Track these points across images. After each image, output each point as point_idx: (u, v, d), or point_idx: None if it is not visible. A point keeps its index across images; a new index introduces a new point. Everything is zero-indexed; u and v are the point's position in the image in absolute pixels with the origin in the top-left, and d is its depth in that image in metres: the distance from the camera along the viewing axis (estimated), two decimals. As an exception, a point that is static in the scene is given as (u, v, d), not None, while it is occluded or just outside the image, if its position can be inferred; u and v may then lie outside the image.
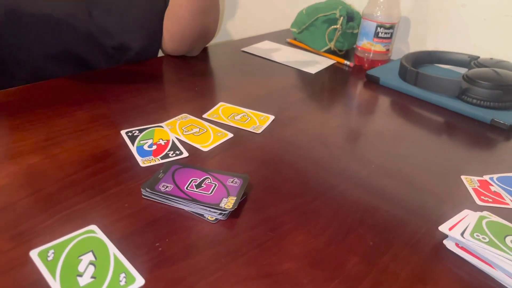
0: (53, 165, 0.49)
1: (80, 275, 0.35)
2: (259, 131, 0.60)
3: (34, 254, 0.37)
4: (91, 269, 0.36)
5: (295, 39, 1.01)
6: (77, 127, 0.57)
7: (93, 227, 0.40)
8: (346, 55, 0.95)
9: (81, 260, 0.37)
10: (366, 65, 0.87)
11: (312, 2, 0.99)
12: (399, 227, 0.44)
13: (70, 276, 0.35)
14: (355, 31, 0.90)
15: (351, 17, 0.90)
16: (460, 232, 0.42)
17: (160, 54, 0.87)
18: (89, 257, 0.37)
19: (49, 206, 0.43)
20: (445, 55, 0.85)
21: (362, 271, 0.38)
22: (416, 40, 0.94)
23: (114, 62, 0.79)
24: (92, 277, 0.35)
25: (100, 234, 0.40)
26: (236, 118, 0.63)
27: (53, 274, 0.35)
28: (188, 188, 0.45)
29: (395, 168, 0.55)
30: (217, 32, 0.85)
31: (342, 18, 0.87)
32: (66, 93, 0.67)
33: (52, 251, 0.37)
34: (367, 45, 0.85)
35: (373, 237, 0.43)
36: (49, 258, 0.37)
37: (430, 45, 0.92)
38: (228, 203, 0.43)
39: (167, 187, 0.45)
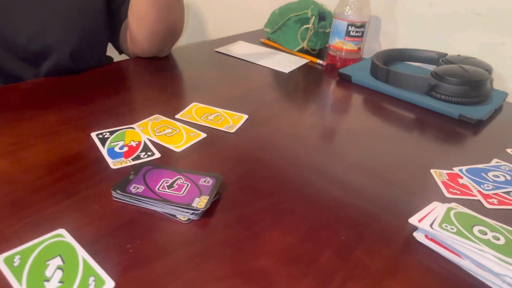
0: (20, 170, 0.48)
1: (48, 280, 0.34)
2: (233, 131, 0.60)
3: (-1, 260, 0.36)
4: (59, 273, 0.35)
5: (268, 39, 1.01)
6: (46, 130, 0.56)
7: (62, 231, 0.39)
8: (320, 54, 0.96)
9: (49, 265, 0.36)
10: (338, 63, 0.88)
11: (284, 2, 1.00)
12: (371, 221, 0.45)
13: (37, 281, 0.34)
14: (327, 30, 0.91)
15: (323, 16, 0.91)
16: (429, 223, 0.42)
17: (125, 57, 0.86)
18: (57, 261, 0.36)
19: (16, 211, 0.42)
20: (414, 53, 0.86)
21: (335, 266, 0.39)
22: (387, 39, 0.96)
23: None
24: (60, 281, 0.35)
25: (69, 238, 0.39)
26: (209, 118, 0.63)
27: (19, 280, 0.34)
28: (160, 189, 0.45)
29: (368, 164, 0.56)
30: (185, 28, 0.85)
31: (314, 17, 0.88)
32: (35, 96, 0.65)
33: (18, 256, 0.36)
34: (339, 44, 0.86)
35: (345, 232, 0.43)
36: (15, 264, 0.36)
37: (401, 43, 0.94)
38: (201, 202, 0.43)
39: (138, 188, 0.45)
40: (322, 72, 0.87)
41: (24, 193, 0.44)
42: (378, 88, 0.77)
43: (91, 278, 0.35)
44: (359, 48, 0.87)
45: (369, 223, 0.45)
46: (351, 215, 0.46)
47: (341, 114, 0.72)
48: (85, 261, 0.37)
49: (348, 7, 0.83)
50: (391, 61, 0.86)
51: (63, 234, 0.39)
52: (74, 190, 0.45)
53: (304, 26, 0.89)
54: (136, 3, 0.74)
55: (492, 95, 0.75)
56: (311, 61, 0.91)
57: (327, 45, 0.92)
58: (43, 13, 0.70)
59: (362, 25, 0.84)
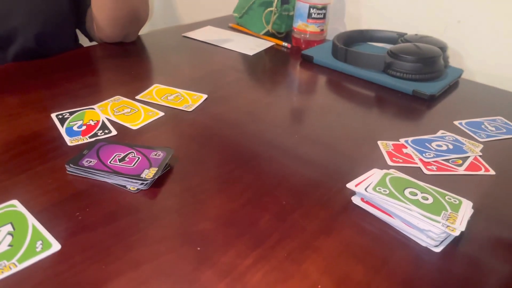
0: (-22, 148, 0.50)
1: (-3, 245, 0.37)
2: (191, 109, 0.63)
3: (-49, 228, 0.38)
4: (9, 238, 0.38)
5: (237, 24, 1.03)
6: (5, 112, 0.58)
7: (14, 201, 0.42)
8: (287, 37, 0.98)
9: (0, 231, 0.38)
10: (303, 46, 0.91)
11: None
12: (313, 188, 0.48)
13: (-14, 246, 0.37)
14: (291, 13, 0.93)
15: (286, 0, 0.93)
16: (364, 187, 0.45)
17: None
18: (8, 228, 0.39)
19: (-29, 185, 0.44)
20: (375, 34, 0.89)
21: (272, 227, 0.41)
22: (351, 21, 0.98)
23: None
24: (9, 245, 0.37)
25: (21, 208, 0.41)
26: (169, 98, 0.65)
27: (-31, 246, 0.37)
28: (111, 162, 0.47)
29: (319, 137, 0.58)
30: (151, 15, 0.86)
31: (276, 0, 0.90)
32: (-2, 81, 0.67)
33: (-30, 225, 0.39)
34: (302, 26, 0.88)
35: (287, 198, 0.46)
36: (-33, 232, 0.38)
37: (364, 25, 0.96)
38: (149, 173, 0.45)
39: (90, 162, 0.47)
40: (287, 55, 0.90)
41: (-19, 170, 0.46)
42: (337, 68, 0.80)
43: (39, 242, 0.37)
44: (322, 30, 0.89)
45: (310, 189, 0.47)
46: (294, 183, 0.48)
47: (300, 93, 0.74)
48: (34, 227, 0.39)
49: (309, -10, 0.85)
50: (353, 42, 0.88)
51: (15, 205, 0.41)
52: (29, 165, 0.47)
53: (268, 9, 0.91)
54: None
55: (447, 72, 0.78)
56: (276, 44, 0.93)
57: (291, 28, 0.94)
58: None
59: (324, 7, 0.86)
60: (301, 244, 0.40)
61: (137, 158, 0.48)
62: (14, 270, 0.35)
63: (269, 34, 0.96)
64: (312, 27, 0.88)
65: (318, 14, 0.86)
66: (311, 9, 0.85)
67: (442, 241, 0.41)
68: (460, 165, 0.54)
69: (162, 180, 0.47)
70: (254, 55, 0.86)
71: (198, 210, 0.43)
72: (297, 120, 0.64)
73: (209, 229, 0.41)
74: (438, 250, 0.41)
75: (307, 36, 0.89)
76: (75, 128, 0.55)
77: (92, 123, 0.57)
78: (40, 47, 0.74)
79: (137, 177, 0.45)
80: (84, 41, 0.93)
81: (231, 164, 0.51)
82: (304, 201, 0.45)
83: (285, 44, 0.92)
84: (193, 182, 0.47)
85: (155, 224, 0.41)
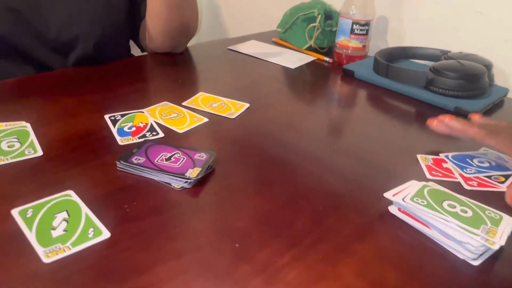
0: (40, 142, 0.54)
1: (54, 229, 0.40)
2: (233, 117, 0.65)
3: (15, 212, 0.42)
4: (64, 224, 0.41)
5: (280, 38, 1.06)
6: (64, 111, 0.63)
7: (70, 192, 0.45)
8: (329, 52, 1.00)
9: (56, 217, 0.42)
10: (344, 61, 0.92)
11: (297, 3, 1.04)
12: (349, 196, 0.49)
13: (45, 229, 0.40)
14: (334, 29, 0.95)
15: (330, 15, 0.95)
16: (402, 197, 0.46)
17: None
18: (63, 215, 0.42)
19: (32, 175, 0.48)
20: (418, 51, 0.89)
21: (308, 229, 0.43)
22: (394, 37, 0.99)
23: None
24: (64, 230, 0.40)
25: (75, 197, 0.44)
26: (213, 105, 0.68)
27: (30, 228, 0.40)
28: (158, 161, 0.50)
29: (357, 148, 0.59)
30: (199, 28, 0.90)
31: (320, 16, 0.92)
32: (58, 84, 0.72)
33: (31, 210, 0.42)
34: (345, 41, 0.90)
35: (323, 203, 0.47)
36: (28, 215, 0.42)
37: (407, 42, 0.96)
38: (193, 172, 0.48)
39: (139, 159, 0.50)
40: (328, 69, 0.91)
41: (41, 160, 0.50)
42: (378, 83, 0.80)
43: (91, 229, 0.40)
44: (364, 46, 0.90)
45: (346, 197, 0.48)
46: (330, 190, 0.49)
47: (339, 105, 0.75)
48: (87, 216, 0.42)
49: (353, 6, 0.86)
50: (394, 58, 0.89)
51: (71, 194, 0.45)
52: (83, 159, 0.51)
53: (311, 25, 0.94)
54: (150, 2, 0.81)
55: (492, 90, 0.77)
56: (318, 59, 0.95)
57: (334, 44, 0.96)
58: (71, 7, 0.78)
59: (367, 23, 0.87)
60: (335, 247, 0.40)
61: (182, 159, 0.51)
62: (68, 252, 0.38)
63: (311, 49, 0.98)
64: (354, 43, 0.89)
65: (361, 30, 0.87)
66: (354, 25, 0.87)
67: (481, 255, 0.41)
68: (503, 182, 0.53)
69: (204, 180, 0.49)
70: (295, 68, 0.89)
71: (237, 209, 0.45)
72: (336, 131, 0.65)
73: (247, 227, 0.42)
74: (476, 263, 0.40)
75: (349, 51, 0.91)
76: (125, 129, 0.59)
77: (141, 125, 0.60)
78: (98, 54, 0.80)
79: (181, 175, 0.47)
80: (135, 52, 0.99)
81: (269, 168, 0.53)
82: (340, 207, 0.46)
83: (327, 59, 0.93)
84: (233, 182, 0.50)
85: (196, 219, 0.43)
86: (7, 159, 0.50)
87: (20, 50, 0.76)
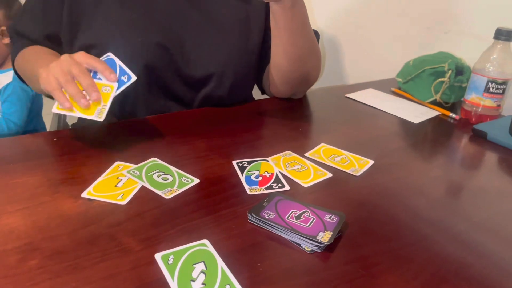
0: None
1: (193, 280, 0.41)
2: (358, 174, 0.63)
3: (158, 256, 0.44)
4: (202, 277, 0.42)
5: (399, 88, 1.02)
6: (195, 154, 0.66)
7: (205, 241, 0.47)
8: (452, 108, 0.94)
9: (195, 268, 0.43)
10: (473, 119, 0.86)
11: (417, 52, 1.01)
12: (496, 285, 0.44)
13: (185, 279, 0.41)
14: (464, 85, 0.89)
15: (460, 71, 0.89)
16: None
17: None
18: (201, 266, 0.43)
19: (171, 219, 0.50)
20: None
21: (454, 322, 0.39)
22: (532, 97, 0.90)
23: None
24: (203, 283, 0.41)
25: (211, 248, 0.46)
26: (336, 159, 0.67)
27: (172, 276, 0.42)
28: (289, 218, 0.50)
29: (497, 225, 0.54)
30: (320, 76, 0.91)
31: (450, 71, 0.87)
32: (188, 125, 0.77)
33: (172, 256, 0.44)
34: (476, 99, 0.84)
35: (468, 290, 0.43)
36: (170, 262, 0.43)
37: (548, 103, 0.87)
38: (325, 236, 0.47)
39: (270, 214, 0.50)
40: (454, 126, 0.85)
41: (176, 205, 0.53)
42: (516, 149, 0.73)
43: (227, 286, 0.41)
44: (499, 106, 0.83)
45: (494, 284, 0.43)
46: (473, 275, 0.45)
47: (471, 170, 0.70)
48: (223, 271, 0.43)
49: (489, 64, 0.81)
50: (535, 121, 0.81)
51: (206, 244, 0.46)
52: (216, 207, 0.53)
53: (439, 79, 0.89)
54: (273, 54, 0.83)
55: None
56: (442, 114, 0.90)
57: (461, 99, 0.90)
58: (211, 47, 0.83)
59: (504, 82, 0.81)
60: None
61: (312, 219, 0.50)
62: (208, 308, 0.39)
63: (435, 104, 0.93)
64: (487, 101, 0.83)
65: (497, 89, 0.81)
66: (490, 83, 0.81)
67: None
68: None
69: (333, 244, 0.48)
70: (418, 123, 0.85)
71: (371, 285, 0.43)
72: (470, 201, 0.60)
73: (385, 309, 0.40)
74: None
75: (479, 109, 0.84)
76: (252, 177, 0.60)
77: (267, 174, 0.61)
78: (226, 93, 0.85)
79: (313, 238, 0.47)
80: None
81: (403, 239, 0.50)
82: (488, 299, 0.42)
83: (453, 115, 0.88)
84: (363, 252, 0.47)
85: (330, 291, 0.42)
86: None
87: (160, 83, 0.83)
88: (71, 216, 0.50)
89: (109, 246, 0.45)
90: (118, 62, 0.65)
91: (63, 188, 0.55)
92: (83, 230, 0.47)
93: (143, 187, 0.56)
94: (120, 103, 0.80)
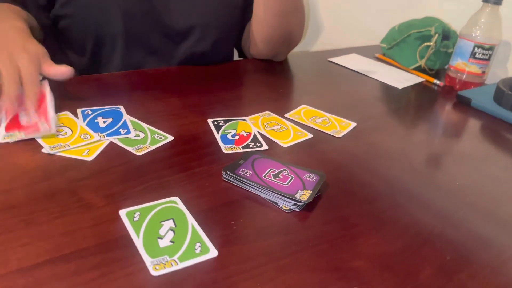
0: (145, 141, 0.53)
1: (161, 238, 0.38)
2: (339, 136, 0.61)
3: (122, 213, 0.41)
4: (171, 234, 0.39)
5: (384, 54, 1.00)
6: (169, 111, 0.62)
7: (176, 198, 0.43)
8: (436, 74, 0.92)
9: (163, 225, 0.40)
10: (457, 86, 0.84)
11: (400, 20, 0.97)
12: (481, 247, 0.42)
13: (152, 236, 0.38)
14: (449, 51, 0.87)
15: (447, 35, 0.87)
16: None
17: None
18: (170, 223, 0.40)
19: (140, 175, 0.47)
20: (549, 83, 0.78)
21: (436, 284, 0.37)
22: (517, 66, 0.88)
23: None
24: (171, 241, 0.38)
25: (181, 206, 0.42)
26: (317, 121, 0.64)
27: (137, 233, 0.38)
28: (266, 177, 0.47)
29: (484, 188, 0.52)
30: (303, 38, 0.87)
31: (437, 35, 0.85)
32: (162, 81, 0.72)
33: (138, 213, 0.41)
34: (461, 65, 0.81)
35: (451, 252, 0.41)
36: (135, 219, 0.40)
37: (532, 73, 0.86)
38: (304, 195, 0.44)
39: (246, 172, 0.47)
40: (438, 93, 0.83)
41: (146, 162, 0.49)
42: (500, 115, 0.72)
43: (198, 244, 0.38)
44: (483, 72, 0.82)
45: (478, 248, 0.42)
46: (459, 236, 0.43)
47: (454, 137, 0.68)
48: (193, 228, 0.40)
49: (477, 27, 0.78)
50: (520, 89, 0.79)
51: (177, 202, 0.43)
52: (189, 165, 0.49)
53: (425, 44, 0.86)
54: (255, 7, 0.78)
55: None
56: (427, 81, 0.87)
57: (446, 66, 0.88)
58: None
59: (491, 48, 0.78)
60: (472, 312, 0.35)
61: (290, 177, 0.47)
62: (176, 267, 0.35)
63: (419, 70, 0.90)
64: (472, 67, 0.80)
65: (483, 54, 0.79)
66: (476, 48, 0.78)
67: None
68: None
69: (312, 204, 0.45)
70: (402, 89, 0.82)
71: (352, 245, 0.40)
72: (455, 166, 0.58)
73: (365, 269, 0.37)
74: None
75: (464, 76, 0.82)
76: (229, 136, 0.56)
77: (244, 134, 0.58)
78: (209, 50, 0.80)
79: (291, 196, 0.44)
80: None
81: (384, 201, 0.48)
82: (472, 260, 0.40)
83: (437, 81, 0.86)
84: (343, 213, 0.45)
85: (308, 251, 0.39)
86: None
87: (139, 34, 0.77)
88: (28, 170, 0.45)
89: (69, 202, 0.41)
90: (126, 117, 0.58)
91: (22, 141, 0.50)
92: (40, 184, 0.43)
93: (111, 143, 0.52)
94: (95, 53, 0.75)
